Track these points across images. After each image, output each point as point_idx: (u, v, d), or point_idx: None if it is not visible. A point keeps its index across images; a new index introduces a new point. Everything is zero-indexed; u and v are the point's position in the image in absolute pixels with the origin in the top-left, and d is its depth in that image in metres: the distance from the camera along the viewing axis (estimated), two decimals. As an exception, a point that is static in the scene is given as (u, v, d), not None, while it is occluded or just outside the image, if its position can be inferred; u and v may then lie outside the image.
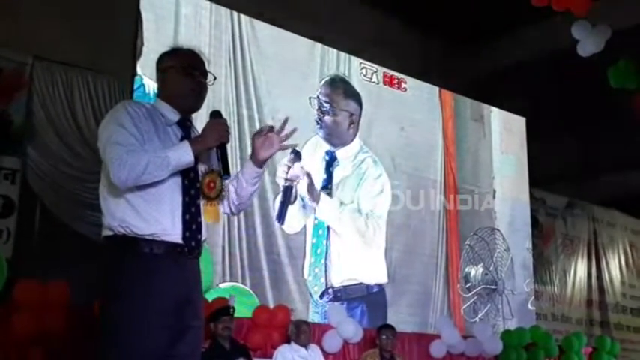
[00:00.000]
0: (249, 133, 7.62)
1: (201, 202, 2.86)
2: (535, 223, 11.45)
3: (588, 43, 7.35)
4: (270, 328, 6.74)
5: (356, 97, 8.79)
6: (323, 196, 8.10)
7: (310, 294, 7.93)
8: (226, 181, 2.94)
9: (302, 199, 7.89)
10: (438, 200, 9.43)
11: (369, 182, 8.63)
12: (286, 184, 7.67)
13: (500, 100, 10.65)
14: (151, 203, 2.70)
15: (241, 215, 7.40)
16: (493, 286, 9.86)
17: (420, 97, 9.63)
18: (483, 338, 8.56)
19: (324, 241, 8.10)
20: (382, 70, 9.24)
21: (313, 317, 7.76)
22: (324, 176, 8.23)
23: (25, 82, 7.24)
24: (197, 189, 2.83)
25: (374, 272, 8.50)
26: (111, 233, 2.72)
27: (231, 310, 5.92)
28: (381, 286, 8.51)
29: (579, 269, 12.91)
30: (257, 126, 7.74)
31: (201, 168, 2.86)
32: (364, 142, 8.75)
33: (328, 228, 8.16)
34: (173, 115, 2.88)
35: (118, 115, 2.75)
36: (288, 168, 7.64)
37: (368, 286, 8.40)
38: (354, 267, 8.27)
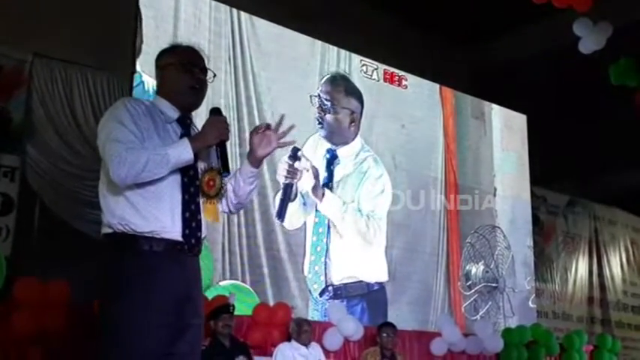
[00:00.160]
0: (249, 131, 7.55)
1: (201, 200, 2.84)
2: (536, 220, 11.43)
3: (590, 40, 7.33)
4: (271, 326, 6.73)
5: (357, 95, 8.77)
6: (327, 191, 8.09)
7: (310, 292, 7.92)
8: (225, 179, 2.92)
9: (302, 197, 7.87)
10: (438, 200, 9.41)
11: (370, 182, 8.62)
12: (286, 182, 7.65)
13: (501, 98, 10.63)
14: (150, 201, 2.69)
15: (241, 213, 7.39)
16: (494, 284, 9.85)
17: (421, 95, 9.62)
18: (484, 336, 8.55)
19: (324, 239, 8.09)
20: (382, 67, 9.22)
21: (313, 315, 7.75)
22: (325, 174, 8.22)
23: (25, 80, 7.23)
24: (197, 187, 2.81)
25: (374, 270, 8.49)
26: (110, 231, 2.71)
27: (231, 308, 5.91)
28: (381, 285, 8.50)
29: (580, 267, 12.89)
30: (257, 124, 7.71)
31: (201, 166, 2.85)
32: (365, 140, 8.73)
33: (328, 226, 8.14)
34: (173, 113, 2.86)
35: (117, 112, 2.74)
36: (289, 165, 7.62)
37: (368, 284, 8.39)
38: (354, 265, 8.26)
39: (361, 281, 8.32)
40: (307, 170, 7.81)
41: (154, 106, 2.86)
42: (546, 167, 11.16)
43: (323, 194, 8.05)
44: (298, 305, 7.65)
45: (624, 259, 13.93)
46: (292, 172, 7.64)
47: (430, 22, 10.45)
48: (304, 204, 7.90)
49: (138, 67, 6.83)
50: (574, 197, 13.06)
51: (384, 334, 7.00)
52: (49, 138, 7.26)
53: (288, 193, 7.69)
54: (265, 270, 7.59)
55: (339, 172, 8.33)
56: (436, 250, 9.33)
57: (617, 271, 13.66)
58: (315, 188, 7.95)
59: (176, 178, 2.75)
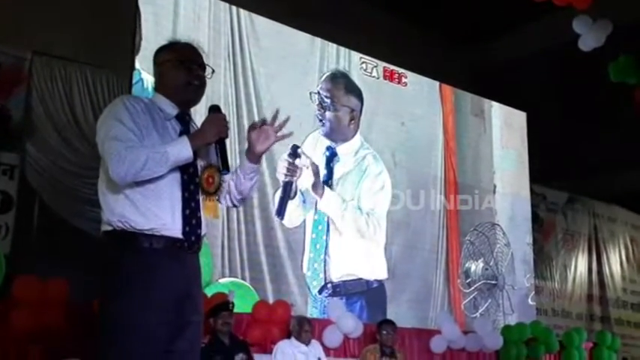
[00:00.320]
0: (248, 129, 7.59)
1: (201, 197, 2.84)
2: (535, 218, 11.43)
3: (589, 37, 7.33)
4: (270, 324, 6.73)
5: (357, 92, 8.76)
6: (327, 189, 8.09)
7: (309, 289, 7.92)
8: (226, 176, 2.92)
9: (302, 194, 7.87)
10: (438, 200, 9.40)
11: (369, 179, 8.61)
12: (286, 179, 7.65)
13: (500, 95, 10.62)
14: (149, 198, 2.68)
15: (241, 210, 7.39)
16: (493, 282, 9.85)
17: (421, 92, 9.61)
18: (484, 333, 8.55)
19: (324, 237, 8.08)
20: (382, 64, 9.21)
21: (312, 312, 7.75)
22: (325, 172, 8.21)
23: (24, 78, 7.23)
24: (196, 184, 2.81)
25: (373, 268, 8.48)
26: (110, 228, 2.71)
27: (231, 305, 5.91)
28: (380, 282, 8.49)
29: (580, 264, 12.90)
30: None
31: (200, 163, 2.84)
32: (365, 138, 8.72)
33: (328, 223, 8.14)
34: (172, 110, 2.86)
35: (116, 110, 2.73)
36: (289, 163, 7.62)
37: (367, 282, 8.38)
38: (354, 262, 8.25)
39: (360, 279, 8.31)
40: (307, 167, 7.81)
41: (153, 103, 2.85)
42: (546, 165, 11.16)
43: (323, 191, 8.04)
44: (297, 303, 7.65)
45: (624, 257, 13.94)
46: (292, 170, 7.63)
47: (430, 19, 10.45)
48: (304, 202, 7.90)
49: (137, 65, 6.81)
50: (573, 195, 13.07)
51: (384, 332, 7.00)
52: (49, 136, 7.26)
53: (287, 191, 7.68)
54: (265, 267, 7.59)
55: (338, 169, 8.32)
56: (436, 248, 9.33)
57: (616, 268, 13.67)
58: (315, 185, 7.95)
59: (176, 176, 2.75)
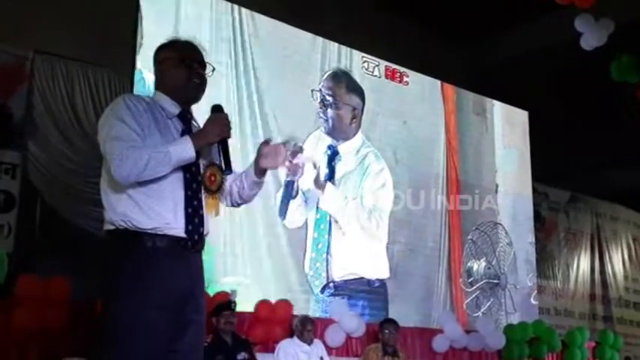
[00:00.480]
0: (250, 128, 7.60)
1: (203, 196, 2.83)
2: (538, 217, 11.43)
3: (591, 36, 7.34)
4: (272, 323, 6.73)
5: (358, 91, 8.76)
6: (329, 186, 8.08)
7: (311, 288, 7.91)
8: (229, 180, 2.92)
9: (303, 194, 7.86)
10: (439, 201, 9.39)
11: (371, 177, 8.61)
12: (288, 179, 7.65)
13: (502, 94, 10.61)
14: (152, 197, 2.67)
15: (243, 210, 7.37)
16: (496, 281, 9.84)
17: (422, 91, 9.60)
18: (486, 333, 8.55)
19: (326, 236, 8.08)
20: (384, 63, 9.20)
21: (314, 312, 7.73)
22: (326, 171, 8.20)
23: (26, 76, 7.23)
24: (199, 182, 2.80)
25: (375, 267, 8.48)
26: (112, 227, 2.70)
27: (233, 304, 5.91)
28: (382, 281, 8.49)
29: (582, 263, 12.89)
30: (258, 120, 7.72)
31: (203, 162, 2.83)
32: (366, 136, 8.72)
33: (330, 222, 8.13)
34: (173, 108, 2.85)
35: (118, 109, 2.72)
36: (289, 162, 7.60)
37: (369, 281, 8.38)
38: (356, 261, 8.24)
39: (362, 278, 8.30)
40: (307, 163, 7.77)
41: (155, 102, 2.84)
42: (548, 163, 11.15)
43: (324, 186, 8.03)
44: (300, 302, 7.65)
45: (626, 256, 13.92)
46: (293, 169, 7.61)
47: (432, 18, 10.44)
48: (305, 201, 7.89)
49: (138, 64, 6.80)
50: (576, 193, 13.06)
51: (386, 331, 7.00)
52: (50, 134, 7.26)
53: (289, 191, 7.68)
54: (267, 267, 7.58)
55: (340, 168, 8.31)
56: (438, 247, 9.31)
57: (619, 267, 13.65)
58: (316, 180, 7.94)
59: (178, 175, 2.74)
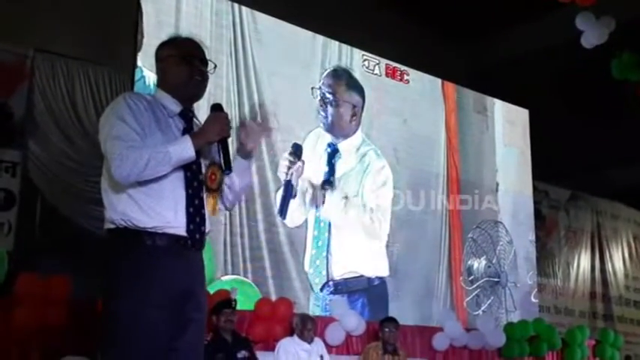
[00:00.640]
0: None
1: (204, 195, 2.83)
2: (538, 215, 11.42)
3: (592, 34, 7.33)
4: (273, 321, 6.72)
5: (358, 89, 8.75)
6: (327, 195, 8.07)
7: (311, 287, 7.91)
8: (226, 176, 2.92)
9: (303, 194, 7.86)
10: (439, 200, 9.38)
11: (372, 175, 8.60)
12: (287, 178, 7.65)
13: (503, 93, 10.61)
14: (152, 197, 2.67)
15: (243, 208, 7.40)
16: (496, 279, 9.84)
17: (423, 90, 9.59)
18: (486, 331, 8.54)
19: (326, 234, 8.07)
20: (384, 62, 9.19)
21: (314, 310, 7.74)
22: (327, 169, 8.20)
23: (26, 75, 7.24)
24: (200, 181, 2.80)
25: (375, 265, 8.47)
26: (113, 226, 2.70)
27: (233, 302, 5.90)
28: (381, 279, 8.49)
29: (583, 262, 12.89)
30: (259, 118, 7.71)
31: (204, 161, 2.84)
32: (367, 135, 8.71)
33: (329, 221, 8.12)
34: (175, 107, 2.85)
35: (119, 108, 2.72)
36: (289, 162, 7.63)
37: (369, 279, 8.38)
38: (355, 260, 8.24)
39: (361, 276, 8.30)
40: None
41: (156, 100, 2.84)
42: (548, 162, 11.15)
43: (329, 189, 8.05)
44: (300, 300, 7.65)
45: (627, 254, 13.92)
46: (293, 169, 7.64)
47: (432, 17, 10.43)
48: (305, 201, 7.89)
49: (139, 62, 6.81)
50: (576, 192, 13.05)
51: (386, 329, 6.99)
52: (51, 133, 7.26)
53: (289, 190, 7.69)
54: (267, 264, 7.58)
55: (340, 166, 8.31)
56: (438, 245, 9.31)
57: (619, 265, 13.65)
58: (313, 194, 7.95)
59: (179, 174, 2.74)
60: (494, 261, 9.88)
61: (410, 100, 9.37)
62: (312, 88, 8.29)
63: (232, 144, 2.88)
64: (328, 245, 8.07)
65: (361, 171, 8.53)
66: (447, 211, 9.48)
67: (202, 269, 2.88)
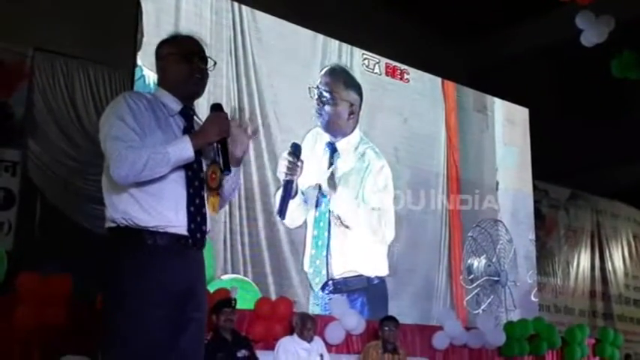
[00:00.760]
0: (250, 124, 7.58)
1: (205, 194, 2.83)
2: (538, 214, 11.42)
3: (592, 33, 7.34)
4: (272, 320, 6.72)
5: (356, 87, 8.75)
6: (328, 195, 8.08)
7: (311, 286, 7.91)
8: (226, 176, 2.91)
9: (302, 193, 7.86)
10: (439, 199, 9.38)
11: (372, 175, 8.60)
12: (287, 178, 7.65)
13: (503, 92, 10.61)
14: (153, 196, 2.67)
15: (243, 207, 7.41)
16: (496, 278, 9.84)
17: (423, 89, 9.59)
18: (486, 330, 8.55)
19: (325, 234, 8.07)
20: (384, 61, 9.19)
21: (314, 309, 7.74)
22: (326, 169, 8.19)
23: (26, 74, 7.24)
24: (201, 180, 2.80)
25: (374, 264, 8.47)
26: (114, 225, 2.70)
27: (233, 302, 5.90)
28: (381, 278, 8.49)
29: (582, 261, 12.88)
30: (258, 118, 7.71)
31: (205, 161, 2.83)
32: (367, 134, 8.71)
33: (329, 220, 8.12)
34: (175, 105, 2.84)
35: (118, 107, 2.71)
36: (289, 162, 7.63)
37: (368, 278, 8.38)
38: (355, 259, 8.24)
39: (361, 275, 8.30)
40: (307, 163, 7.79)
41: (156, 98, 2.83)
42: (548, 161, 11.14)
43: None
44: (300, 299, 7.65)
45: (626, 253, 13.91)
46: (292, 169, 7.64)
47: (432, 16, 10.44)
48: (305, 201, 7.89)
49: (139, 61, 6.80)
50: (576, 191, 13.04)
51: (386, 328, 6.99)
52: (51, 132, 7.26)
53: (288, 190, 7.69)
54: (267, 264, 7.58)
55: (340, 166, 8.31)
56: (438, 244, 9.31)
57: (619, 264, 13.64)
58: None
59: (180, 173, 2.73)
60: (494, 260, 9.88)
61: (410, 99, 9.37)
62: (310, 88, 8.28)
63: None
64: (328, 245, 8.07)
65: (361, 170, 8.52)
66: (446, 210, 9.47)
67: (203, 269, 2.88)
